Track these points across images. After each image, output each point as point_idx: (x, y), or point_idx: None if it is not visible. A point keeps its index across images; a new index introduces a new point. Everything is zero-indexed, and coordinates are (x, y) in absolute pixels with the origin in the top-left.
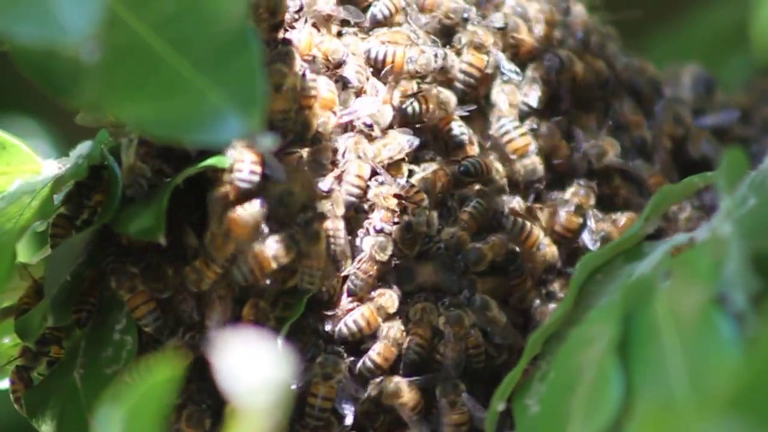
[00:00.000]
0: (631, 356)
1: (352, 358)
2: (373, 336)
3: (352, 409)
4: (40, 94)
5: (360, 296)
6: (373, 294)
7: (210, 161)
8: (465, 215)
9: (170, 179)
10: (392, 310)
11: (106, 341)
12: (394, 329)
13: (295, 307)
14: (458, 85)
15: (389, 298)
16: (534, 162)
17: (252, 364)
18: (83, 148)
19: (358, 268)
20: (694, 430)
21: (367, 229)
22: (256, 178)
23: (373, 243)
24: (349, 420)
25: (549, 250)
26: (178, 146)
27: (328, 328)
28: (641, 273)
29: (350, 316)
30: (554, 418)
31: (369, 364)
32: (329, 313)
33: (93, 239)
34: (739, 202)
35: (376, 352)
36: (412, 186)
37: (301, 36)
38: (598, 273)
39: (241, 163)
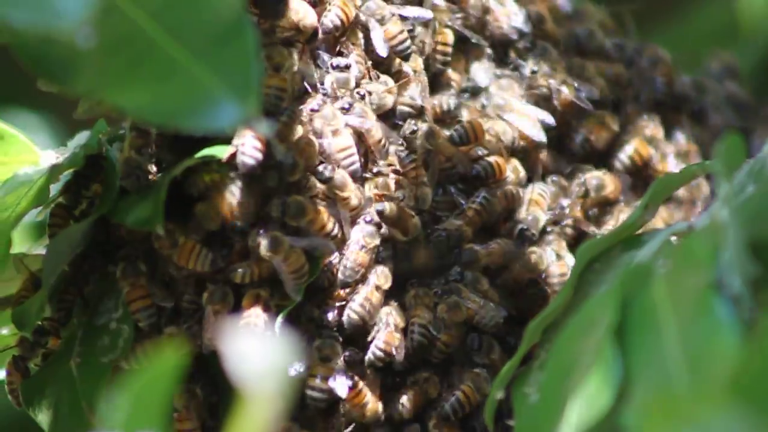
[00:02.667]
0: (628, 341)
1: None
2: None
3: (347, 383)
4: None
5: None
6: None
7: (208, 151)
8: (471, 211)
9: (169, 170)
10: (386, 286)
11: (103, 330)
12: (393, 315)
13: None
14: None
15: (381, 273)
16: (538, 213)
17: (257, 351)
18: (81, 138)
19: (348, 258)
20: (693, 416)
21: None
22: (259, 156)
23: (364, 232)
24: (342, 393)
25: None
26: (175, 139)
27: (329, 317)
28: (640, 260)
29: (354, 303)
30: (552, 405)
31: (378, 353)
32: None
33: (91, 230)
34: (738, 189)
35: (382, 341)
36: (412, 161)
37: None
38: (597, 262)
39: (243, 146)
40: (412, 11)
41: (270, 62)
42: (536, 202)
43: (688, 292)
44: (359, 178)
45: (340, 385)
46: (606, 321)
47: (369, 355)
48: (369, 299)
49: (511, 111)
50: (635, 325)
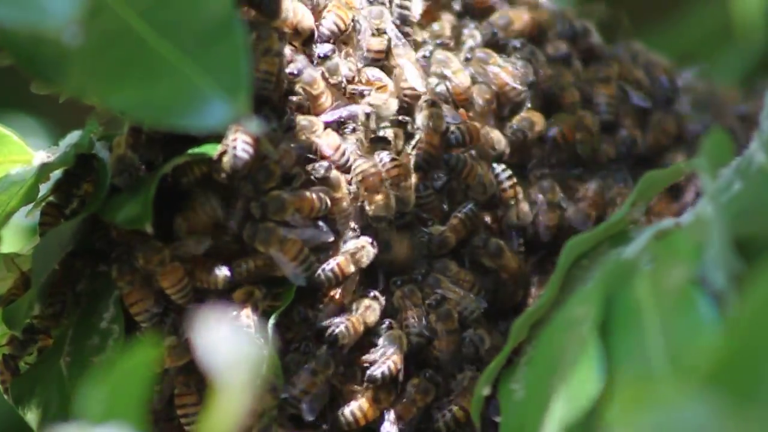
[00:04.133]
0: (612, 336)
1: None
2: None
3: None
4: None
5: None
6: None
7: (198, 149)
8: (456, 220)
9: (158, 168)
10: (372, 322)
11: (94, 329)
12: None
13: (284, 296)
14: None
15: (370, 309)
16: (525, 209)
17: (229, 340)
18: (73, 137)
19: (330, 262)
20: (671, 402)
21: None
22: (251, 152)
23: (362, 249)
24: (308, 417)
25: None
26: (168, 136)
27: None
28: (626, 257)
29: (341, 325)
30: (538, 401)
31: (386, 372)
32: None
33: (82, 228)
34: (725, 186)
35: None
36: (393, 160)
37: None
38: (584, 258)
39: (234, 141)
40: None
41: (260, 44)
42: (513, 195)
43: (671, 288)
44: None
45: (308, 411)
46: (590, 317)
47: (376, 373)
48: (355, 326)
49: (494, 64)
50: (619, 321)
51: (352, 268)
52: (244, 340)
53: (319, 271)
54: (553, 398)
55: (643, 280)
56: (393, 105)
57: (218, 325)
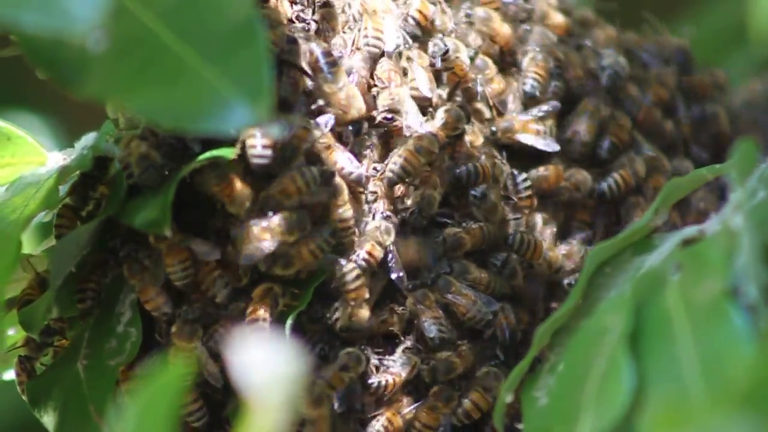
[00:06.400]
0: (642, 348)
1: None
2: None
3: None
4: (44, 90)
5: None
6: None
7: (216, 152)
8: (477, 229)
9: (177, 171)
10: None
11: (111, 333)
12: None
13: (301, 296)
14: None
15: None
16: (534, 220)
17: (264, 359)
18: (88, 139)
19: (358, 252)
20: (707, 423)
21: (373, 215)
22: (270, 154)
23: (380, 228)
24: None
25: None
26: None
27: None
28: (651, 265)
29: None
30: (564, 410)
31: (383, 383)
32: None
33: (98, 230)
34: (749, 194)
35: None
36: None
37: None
38: (607, 265)
39: (254, 149)
40: None
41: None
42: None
43: (703, 299)
44: (362, 184)
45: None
46: (619, 327)
47: (373, 382)
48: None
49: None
50: (649, 332)
51: (380, 251)
52: (280, 359)
53: (352, 264)
54: (582, 410)
55: (672, 290)
56: (404, 94)
57: (254, 344)
